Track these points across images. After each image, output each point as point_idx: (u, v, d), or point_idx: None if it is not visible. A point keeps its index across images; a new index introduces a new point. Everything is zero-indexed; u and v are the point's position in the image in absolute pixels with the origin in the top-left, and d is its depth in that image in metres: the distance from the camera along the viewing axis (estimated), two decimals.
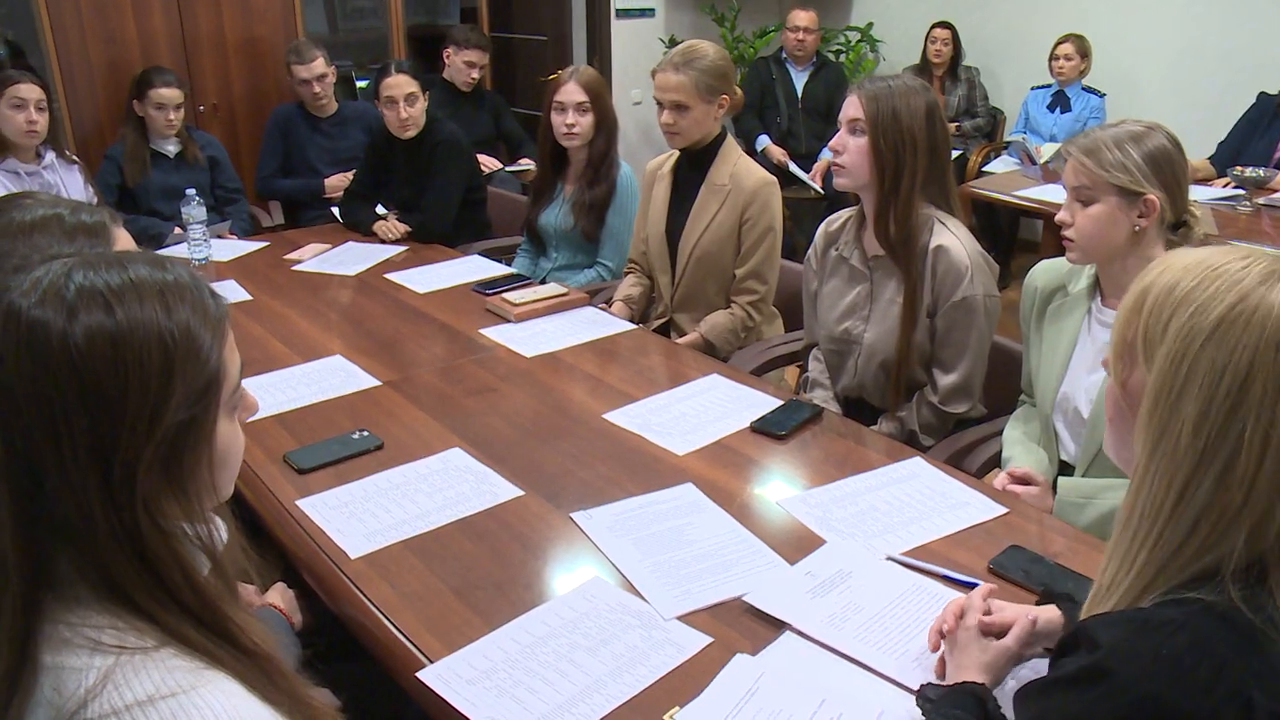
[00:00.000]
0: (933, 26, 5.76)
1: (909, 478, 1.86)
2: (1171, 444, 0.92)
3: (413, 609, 1.51)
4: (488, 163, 4.53)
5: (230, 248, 3.48)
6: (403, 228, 3.51)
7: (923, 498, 1.78)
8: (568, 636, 1.43)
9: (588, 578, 1.57)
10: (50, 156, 3.55)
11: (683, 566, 1.59)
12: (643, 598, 1.51)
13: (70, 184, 3.54)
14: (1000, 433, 2.15)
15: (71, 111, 4.24)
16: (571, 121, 3.10)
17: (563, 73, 3.19)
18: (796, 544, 1.65)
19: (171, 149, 3.99)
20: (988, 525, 1.71)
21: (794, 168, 5.48)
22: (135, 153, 3.92)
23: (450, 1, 6.04)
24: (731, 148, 2.82)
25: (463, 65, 4.75)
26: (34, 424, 0.82)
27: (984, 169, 5.39)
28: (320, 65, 4.28)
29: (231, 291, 2.99)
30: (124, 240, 1.53)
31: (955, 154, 5.42)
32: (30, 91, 3.39)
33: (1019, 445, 2.06)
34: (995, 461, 2.13)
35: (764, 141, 5.61)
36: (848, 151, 2.15)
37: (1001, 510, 1.74)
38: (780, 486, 1.86)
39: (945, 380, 2.20)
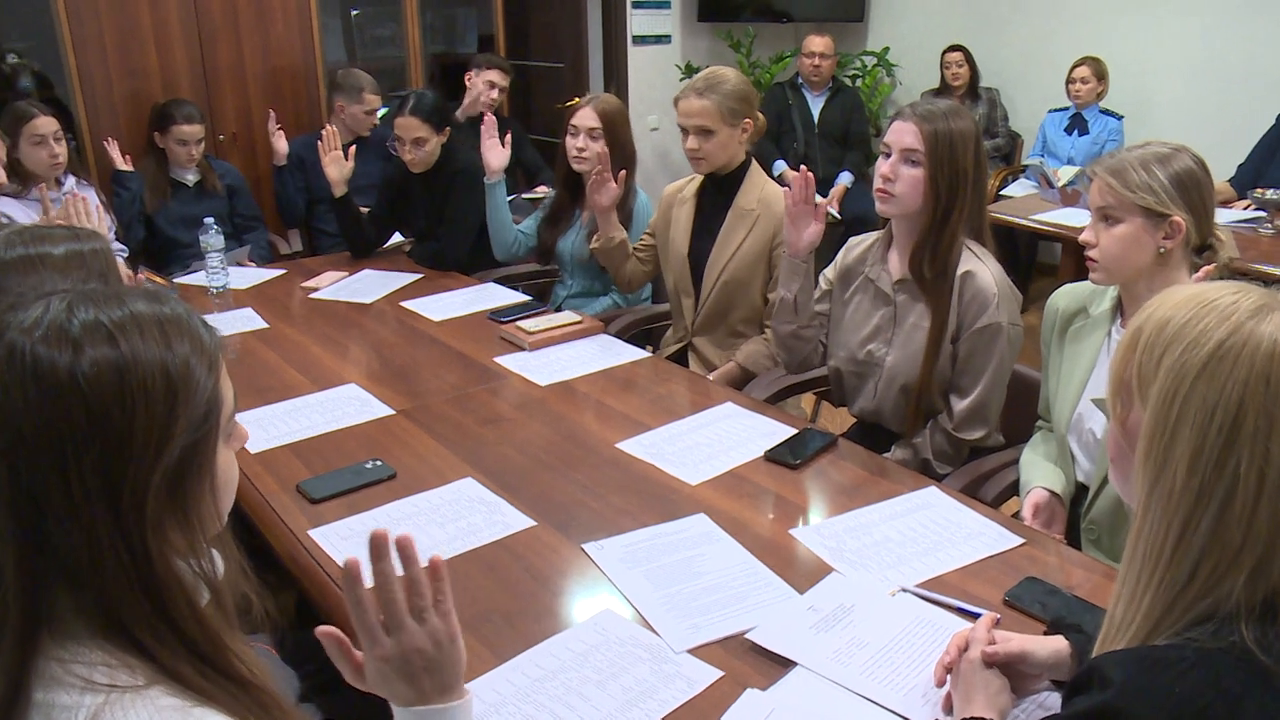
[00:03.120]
0: (945, 51, 5.77)
1: (923, 507, 1.84)
2: (1169, 483, 0.91)
3: None
4: None
5: (248, 275, 3.50)
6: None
7: (937, 528, 1.76)
8: (578, 670, 1.42)
9: (598, 610, 1.56)
10: (70, 184, 3.59)
11: (694, 599, 1.57)
12: (654, 630, 1.50)
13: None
14: (1018, 460, 2.13)
15: (94, 142, 4.29)
16: (581, 145, 3.13)
17: (582, 98, 3.22)
18: (809, 575, 1.63)
19: (191, 178, 4.04)
20: (1004, 556, 1.69)
21: None
22: (155, 182, 3.98)
23: (468, 30, 6.11)
24: (758, 172, 2.83)
25: (483, 85, 4.78)
26: (40, 458, 0.83)
27: (1001, 192, 5.37)
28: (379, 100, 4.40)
29: (248, 320, 3.00)
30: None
31: None
32: (47, 125, 3.45)
33: (1036, 467, 2.03)
34: (1013, 490, 2.11)
35: (780, 166, 5.62)
36: (900, 180, 2.12)
37: (1018, 541, 1.72)
38: (793, 517, 1.84)
39: (960, 405, 2.19)
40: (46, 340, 0.84)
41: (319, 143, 3.53)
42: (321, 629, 1.03)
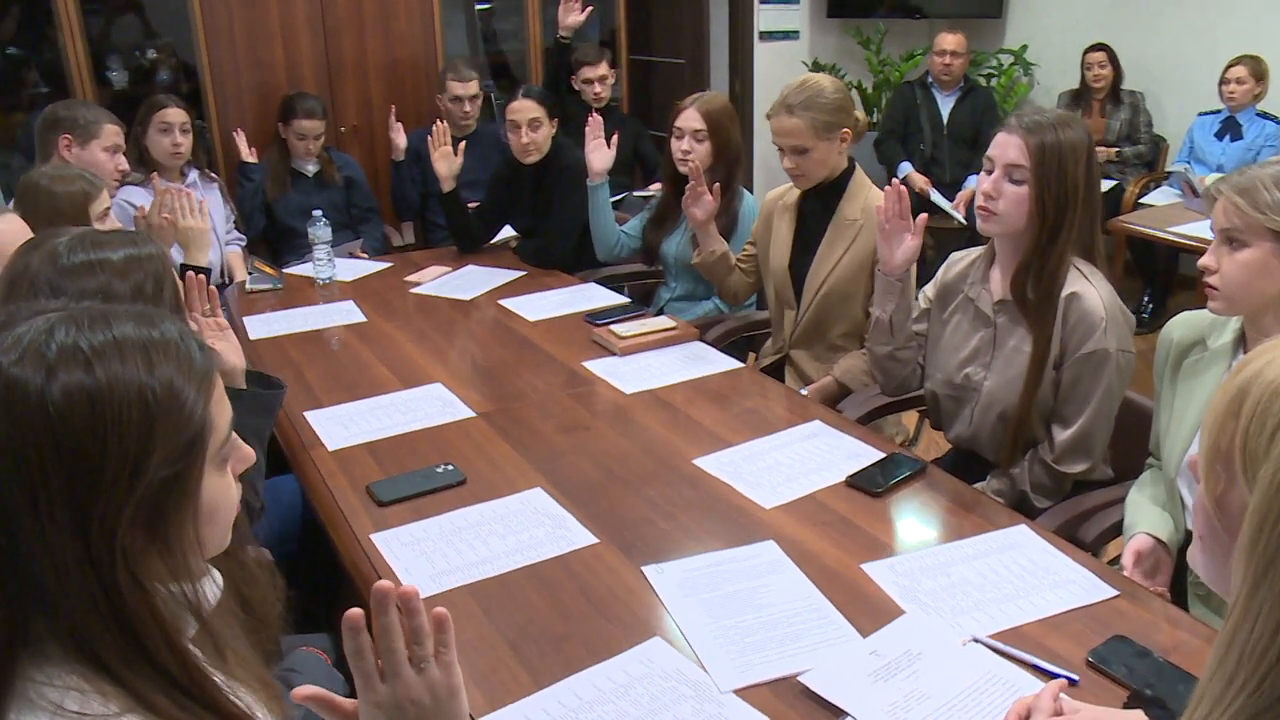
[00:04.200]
0: (1087, 51, 5.47)
1: (1010, 548, 1.71)
2: None
3: (463, 659, 1.41)
4: None
5: (354, 268, 3.55)
6: None
7: (1023, 572, 1.64)
8: (616, 704, 1.36)
9: (647, 639, 1.50)
10: (193, 176, 3.72)
11: (749, 634, 1.49)
12: (702, 666, 1.43)
13: (211, 201, 3.68)
14: (1124, 499, 1.97)
15: (222, 132, 4.43)
16: (687, 148, 3.05)
17: (688, 99, 3.15)
18: (875, 615, 1.53)
19: (311, 169, 4.13)
20: (1093, 609, 1.55)
21: (936, 196, 5.27)
22: (277, 172, 4.09)
23: (590, 24, 6.07)
24: (861, 181, 2.71)
25: (581, 85, 4.78)
26: (10, 483, 0.81)
27: (1141, 200, 5.06)
28: (475, 85, 4.42)
29: (348, 313, 3.04)
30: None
31: (1110, 185, 5.11)
32: (176, 115, 3.56)
33: (1142, 509, 1.87)
34: (1116, 531, 1.95)
35: (906, 168, 5.42)
36: (1003, 199, 1.98)
37: (1111, 593, 1.58)
38: (868, 549, 1.74)
39: (1062, 435, 2.04)
40: (21, 363, 0.82)
41: (429, 138, 3.56)
42: (296, 692, 0.99)
